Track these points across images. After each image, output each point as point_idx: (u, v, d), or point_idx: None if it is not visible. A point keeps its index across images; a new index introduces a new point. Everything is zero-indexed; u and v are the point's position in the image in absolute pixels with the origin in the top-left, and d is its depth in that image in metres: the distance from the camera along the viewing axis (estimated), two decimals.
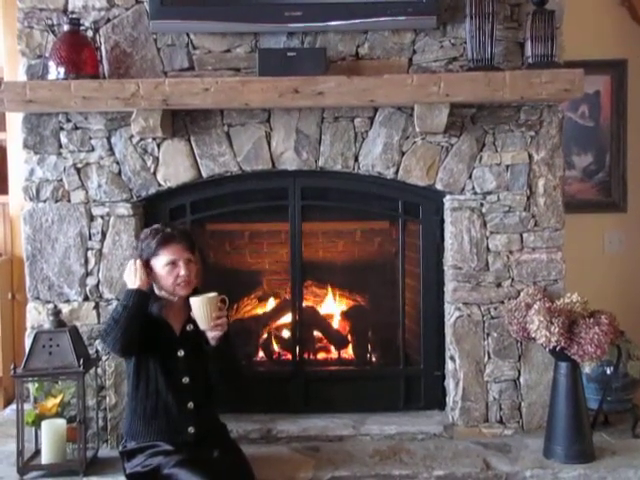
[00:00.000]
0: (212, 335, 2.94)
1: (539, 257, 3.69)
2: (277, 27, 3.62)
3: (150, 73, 3.65)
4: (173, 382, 2.98)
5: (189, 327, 3.05)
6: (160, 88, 3.42)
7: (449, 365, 3.79)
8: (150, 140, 3.65)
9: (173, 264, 2.98)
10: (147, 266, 3.03)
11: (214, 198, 3.82)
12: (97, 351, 3.66)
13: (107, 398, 3.70)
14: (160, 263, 2.99)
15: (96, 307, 3.71)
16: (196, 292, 3.04)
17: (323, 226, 4.27)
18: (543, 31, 3.51)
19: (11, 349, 4.49)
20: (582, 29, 4.30)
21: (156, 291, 3.08)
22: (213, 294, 2.93)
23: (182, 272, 2.98)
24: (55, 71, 3.51)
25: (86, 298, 3.70)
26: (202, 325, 2.92)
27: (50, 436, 3.33)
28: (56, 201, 3.66)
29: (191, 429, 2.99)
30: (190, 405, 3.00)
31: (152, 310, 3.02)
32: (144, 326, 2.92)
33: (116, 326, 2.85)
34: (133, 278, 2.97)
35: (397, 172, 3.68)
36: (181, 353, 3.01)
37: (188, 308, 2.99)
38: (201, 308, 2.88)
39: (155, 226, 3.13)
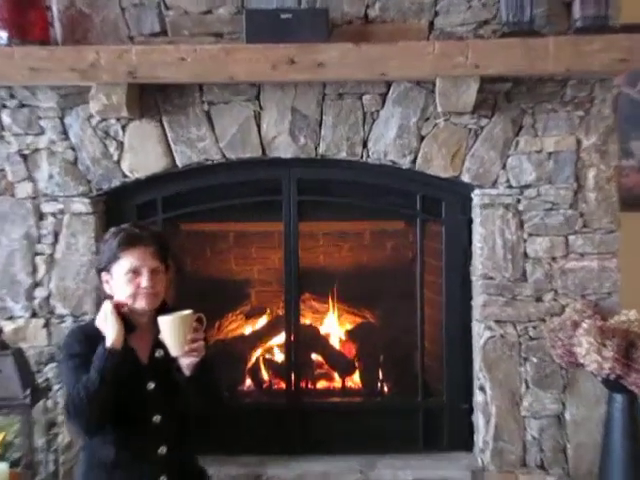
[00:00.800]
0: (186, 362, 2.83)
1: (589, 265, 3.68)
2: None
3: (113, 39, 3.63)
4: (141, 422, 2.85)
5: (158, 353, 2.93)
6: (125, 57, 3.40)
7: (478, 397, 3.76)
8: (113, 121, 3.65)
9: (135, 272, 2.87)
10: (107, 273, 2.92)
11: (191, 192, 3.82)
12: (47, 379, 3.62)
13: (59, 437, 3.66)
14: (120, 270, 2.87)
15: (46, 325, 3.67)
16: (166, 310, 2.93)
17: (324, 226, 4.29)
18: None
19: None
20: None
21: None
22: (187, 312, 2.81)
23: (144, 282, 2.85)
24: None
25: (34, 314, 3.68)
26: (173, 350, 2.81)
27: None
28: None
29: (163, 478, 2.89)
30: (162, 450, 2.88)
31: None
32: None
33: (88, 400, 2.67)
34: (105, 327, 2.85)
35: (415, 161, 3.67)
36: (151, 386, 2.88)
37: (157, 329, 2.89)
38: (172, 329, 2.77)
39: (123, 225, 3.02)
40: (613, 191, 3.65)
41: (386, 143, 3.65)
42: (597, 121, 3.63)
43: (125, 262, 2.83)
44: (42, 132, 3.63)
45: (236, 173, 3.78)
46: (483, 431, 3.73)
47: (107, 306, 2.78)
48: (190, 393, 2.83)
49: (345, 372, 4.20)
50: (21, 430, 3.33)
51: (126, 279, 2.82)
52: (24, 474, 3.29)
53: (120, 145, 3.65)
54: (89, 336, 2.81)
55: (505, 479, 3.68)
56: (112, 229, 2.96)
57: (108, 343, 2.73)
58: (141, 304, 2.83)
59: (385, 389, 4.18)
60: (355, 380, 4.21)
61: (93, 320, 2.95)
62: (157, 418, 2.85)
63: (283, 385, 4.01)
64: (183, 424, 2.93)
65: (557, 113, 3.63)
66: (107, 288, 2.88)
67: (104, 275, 2.89)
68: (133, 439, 2.83)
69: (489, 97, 3.61)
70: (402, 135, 3.65)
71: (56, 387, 3.61)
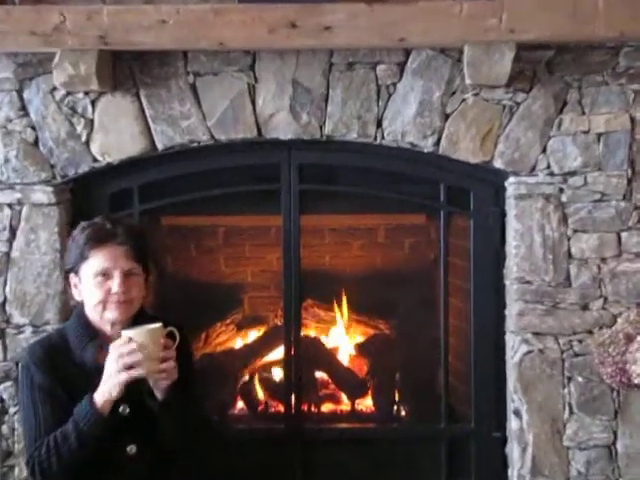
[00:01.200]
0: (155, 385, 2.78)
1: None
2: None
3: None
4: (113, 454, 2.82)
5: None
6: (95, 19, 3.37)
7: (513, 423, 3.73)
8: (81, 95, 3.61)
9: (105, 275, 2.80)
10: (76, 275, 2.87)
11: (174, 180, 3.78)
12: (2, 400, 3.60)
13: (15, 469, 3.63)
14: (88, 272, 2.82)
15: (1, 336, 3.64)
16: (146, 319, 2.87)
17: (330, 220, 4.30)
18: None
19: None
20: None
21: (87, 315, 2.90)
22: (156, 325, 2.79)
23: (115, 288, 2.80)
24: None
25: None
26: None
27: None
28: None
29: None
30: None
31: (85, 356, 2.84)
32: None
33: (60, 464, 2.67)
34: (107, 376, 2.75)
35: (438, 143, 3.65)
36: (125, 410, 2.83)
37: None
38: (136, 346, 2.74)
39: (95, 219, 2.99)
40: None
41: (404, 122, 3.62)
42: None
43: (94, 262, 2.82)
44: None
45: (226, 157, 3.76)
46: (518, 464, 3.69)
47: (121, 375, 2.65)
48: (164, 421, 2.78)
49: (355, 393, 4.17)
50: None
51: (95, 282, 2.81)
52: None
53: (89, 123, 3.61)
54: (53, 354, 2.79)
55: None
56: (82, 223, 2.99)
57: (99, 400, 2.65)
58: (112, 314, 2.81)
59: (402, 413, 4.16)
60: (367, 403, 4.19)
61: (58, 330, 2.96)
62: (132, 448, 2.83)
63: (282, 408, 3.97)
64: (162, 455, 2.89)
65: (608, 86, 3.60)
66: (75, 293, 2.88)
67: (72, 277, 2.88)
68: (102, 475, 2.79)
69: (527, 67, 3.57)
70: (423, 113, 3.62)
71: (12, 410, 3.59)
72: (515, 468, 3.70)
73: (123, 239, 2.86)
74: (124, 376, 2.62)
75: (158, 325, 2.76)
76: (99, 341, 2.81)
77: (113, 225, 2.91)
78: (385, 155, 3.72)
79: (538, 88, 3.58)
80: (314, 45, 3.48)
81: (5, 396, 3.59)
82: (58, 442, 2.66)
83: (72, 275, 2.88)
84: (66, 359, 2.77)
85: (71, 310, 3.03)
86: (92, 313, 2.84)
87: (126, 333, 2.72)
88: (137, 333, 2.72)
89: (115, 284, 2.79)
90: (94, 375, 2.72)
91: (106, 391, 2.64)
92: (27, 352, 2.90)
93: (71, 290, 2.88)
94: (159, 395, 2.76)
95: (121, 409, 2.80)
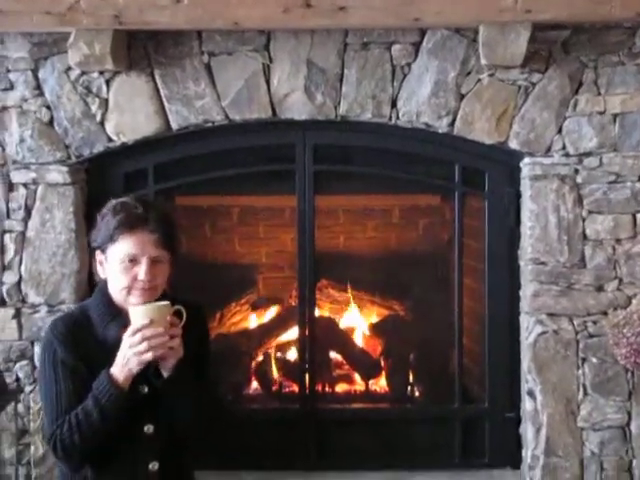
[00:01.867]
0: (160, 362, 2.80)
1: None
2: None
3: None
4: (131, 433, 2.80)
5: None
6: None
7: (527, 404, 3.74)
8: (96, 74, 3.64)
9: (132, 261, 2.81)
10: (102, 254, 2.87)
11: (188, 160, 3.81)
12: (17, 379, 3.60)
13: (31, 447, 3.65)
14: (116, 255, 2.81)
15: (17, 316, 3.66)
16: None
17: (345, 201, 4.28)
18: None
19: None
20: None
21: (110, 293, 2.92)
22: (163, 303, 2.77)
23: (141, 275, 2.79)
24: None
25: (2, 303, 3.66)
26: None
27: None
28: None
29: None
30: (154, 465, 2.82)
31: (107, 334, 2.86)
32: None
33: (82, 441, 2.64)
34: (124, 348, 2.78)
35: (453, 124, 3.67)
36: (144, 390, 2.84)
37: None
38: (143, 322, 2.76)
39: (124, 199, 2.96)
40: None
41: (419, 102, 3.63)
42: None
43: (122, 246, 2.75)
44: (11, 87, 3.63)
45: (241, 137, 3.77)
46: (532, 444, 3.70)
47: (147, 355, 2.69)
48: (167, 398, 2.78)
49: (369, 374, 4.19)
50: None
51: (121, 267, 2.75)
52: None
53: (104, 103, 3.63)
54: (75, 330, 2.75)
55: None
56: (113, 202, 2.87)
57: (119, 376, 2.63)
58: (136, 300, 2.75)
59: (416, 394, 4.18)
60: (381, 383, 4.20)
61: (80, 307, 2.91)
62: (149, 428, 2.77)
63: (296, 388, 4.01)
64: (179, 434, 2.87)
65: (624, 67, 3.60)
66: (100, 270, 2.82)
67: (98, 254, 2.83)
68: (120, 453, 2.76)
69: (542, 48, 3.58)
70: (438, 93, 3.63)
71: (28, 389, 3.60)
72: (529, 448, 3.71)
73: (154, 226, 2.81)
74: (149, 355, 2.66)
75: (165, 303, 2.76)
76: (122, 320, 2.80)
77: (145, 209, 2.85)
78: (400, 135, 3.73)
79: (554, 68, 3.58)
80: (329, 25, 3.48)
81: (21, 375, 3.60)
82: (80, 419, 2.66)
83: (98, 252, 2.86)
84: (88, 335, 2.75)
85: (88, 287, 3.04)
86: (116, 294, 2.87)
87: (134, 309, 2.73)
88: (145, 309, 2.72)
89: (142, 271, 2.77)
90: (115, 353, 2.70)
91: (127, 368, 2.63)
92: (49, 328, 2.89)
93: (96, 266, 2.85)
94: (164, 373, 2.79)
95: (140, 388, 2.84)
